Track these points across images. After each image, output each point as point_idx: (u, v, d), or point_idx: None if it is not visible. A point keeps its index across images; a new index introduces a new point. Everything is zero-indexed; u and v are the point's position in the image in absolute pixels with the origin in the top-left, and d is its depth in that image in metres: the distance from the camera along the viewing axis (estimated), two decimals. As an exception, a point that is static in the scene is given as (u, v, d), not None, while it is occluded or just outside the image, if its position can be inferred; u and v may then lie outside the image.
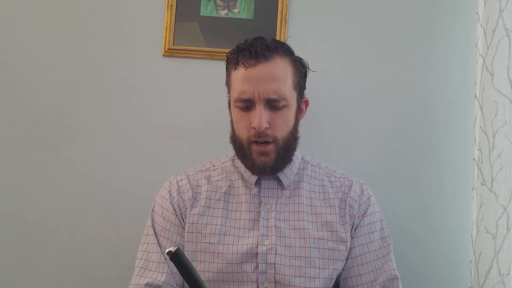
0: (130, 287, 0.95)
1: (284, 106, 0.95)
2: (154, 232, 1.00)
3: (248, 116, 0.95)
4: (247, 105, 0.95)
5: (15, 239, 1.23)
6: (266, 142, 0.95)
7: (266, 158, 0.96)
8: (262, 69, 0.93)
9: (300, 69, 1.00)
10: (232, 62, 0.98)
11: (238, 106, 0.97)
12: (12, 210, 1.24)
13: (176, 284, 0.96)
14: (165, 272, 0.95)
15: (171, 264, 0.93)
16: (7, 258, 1.23)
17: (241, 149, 0.98)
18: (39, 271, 1.23)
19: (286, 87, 0.95)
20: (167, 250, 0.68)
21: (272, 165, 0.96)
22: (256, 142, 0.95)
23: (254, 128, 0.93)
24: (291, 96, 0.97)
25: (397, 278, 0.97)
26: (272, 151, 0.96)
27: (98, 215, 1.24)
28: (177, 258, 0.68)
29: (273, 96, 0.93)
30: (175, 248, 0.68)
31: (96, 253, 1.23)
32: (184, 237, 0.98)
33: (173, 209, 1.00)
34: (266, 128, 0.93)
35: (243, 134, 0.96)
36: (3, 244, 1.23)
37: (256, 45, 0.94)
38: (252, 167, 0.97)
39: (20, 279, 1.23)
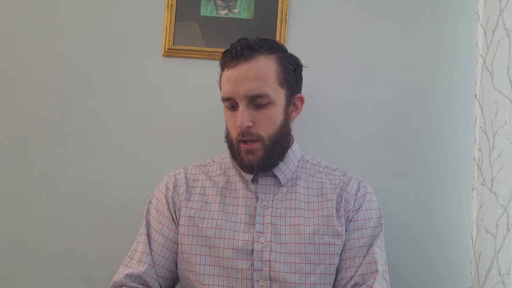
0: (115, 276, 0.98)
1: (268, 103, 0.96)
2: (147, 223, 1.03)
3: (234, 116, 0.97)
4: (232, 104, 0.98)
5: (15, 239, 1.23)
6: (252, 141, 0.96)
7: (253, 156, 0.97)
8: (241, 69, 0.95)
9: (288, 65, 1.00)
10: (220, 64, 1.01)
11: (226, 106, 1.00)
12: (13, 209, 1.24)
13: (158, 276, 0.98)
14: (146, 263, 0.97)
15: (155, 255, 0.98)
16: (7, 258, 1.23)
17: (232, 148, 1.00)
18: (39, 271, 1.23)
19: (269, 85, 0.96)
20: None
21: (259, 162, 0.97)
22: (243, 141, 0.97)
23: (238, 127, 0.95)
24: (277, 93, 0.97)
25: (377, 271, 0.93)
26: (259, 149, 0.97)
27: (98, 215, 1.24)
28: None
29: (253, 93, 0.94)
30: None
31: (96, 253, 1.24)
32: (173, 230, 1.00)
33: (167, 202, 1.02)
34: (249, 127, 0.95)
35: (233, 133, 0.99)
36: (3, 244, 1.23)
37: (237, 47, 0.97)
38: (241, 165, 0.99)
39: (20, 279, 1.23)
